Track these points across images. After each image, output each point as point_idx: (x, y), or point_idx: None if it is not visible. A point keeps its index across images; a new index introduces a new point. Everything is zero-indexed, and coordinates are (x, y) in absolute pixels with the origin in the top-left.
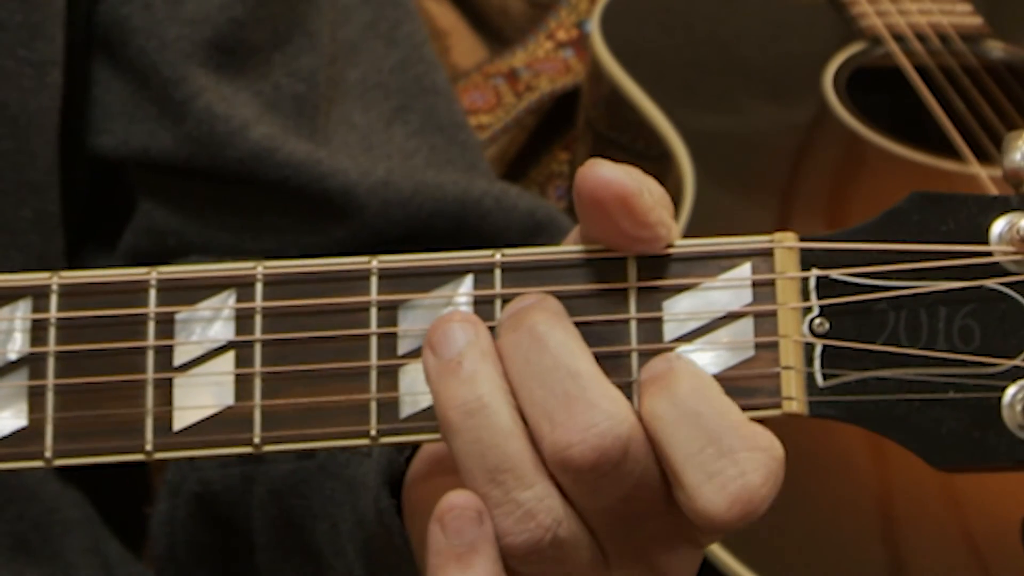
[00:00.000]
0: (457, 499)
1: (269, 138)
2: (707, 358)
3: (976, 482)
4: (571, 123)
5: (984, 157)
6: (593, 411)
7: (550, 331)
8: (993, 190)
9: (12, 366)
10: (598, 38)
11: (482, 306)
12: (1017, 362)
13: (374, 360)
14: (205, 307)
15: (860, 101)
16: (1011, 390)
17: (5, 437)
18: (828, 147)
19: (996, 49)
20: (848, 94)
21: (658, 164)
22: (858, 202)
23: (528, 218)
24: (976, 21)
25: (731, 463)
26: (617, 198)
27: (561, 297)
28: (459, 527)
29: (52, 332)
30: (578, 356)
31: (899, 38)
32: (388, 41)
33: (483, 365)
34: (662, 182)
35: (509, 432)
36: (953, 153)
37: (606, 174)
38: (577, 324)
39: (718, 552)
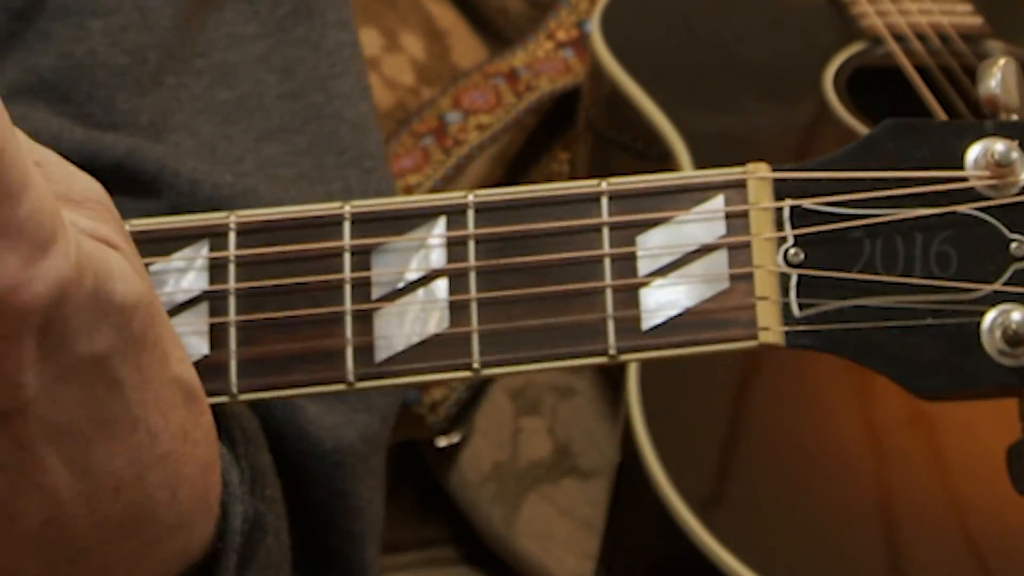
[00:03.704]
0: None
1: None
2: (681, 291)
3: (978, 481)
4: (571, 123)
5: None
6: None
7: None
8: None
9: None
10: (598, 38)
11: (455, 247)
12: (996, 287)
13: (348, 306)
14: (178, 258)
15: (860, 101)
16: (990, 315)
17: None
18: (828, 147)
19: (996, 49)
20: (848, 94)
21: (658, 164)
22: None
23: None
24: (976, 21)
25: None
26: None
27: (535, 235)
28: None
29: None
30: None
31: (899, 38)
32: (283, 74)
33: None
34: None
35: None
36: None
37: None
38: (552, 262)
39: (718, 551)
